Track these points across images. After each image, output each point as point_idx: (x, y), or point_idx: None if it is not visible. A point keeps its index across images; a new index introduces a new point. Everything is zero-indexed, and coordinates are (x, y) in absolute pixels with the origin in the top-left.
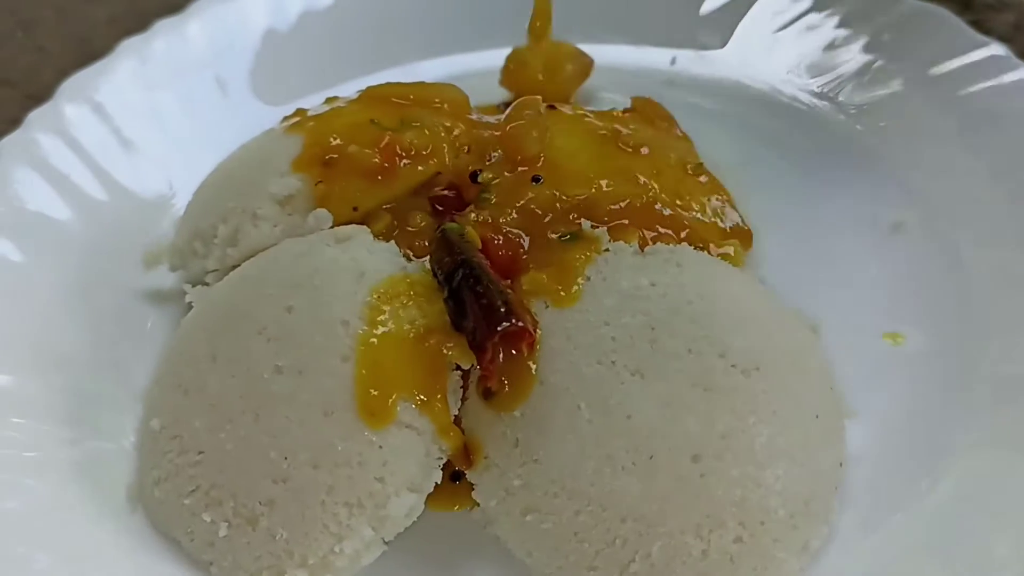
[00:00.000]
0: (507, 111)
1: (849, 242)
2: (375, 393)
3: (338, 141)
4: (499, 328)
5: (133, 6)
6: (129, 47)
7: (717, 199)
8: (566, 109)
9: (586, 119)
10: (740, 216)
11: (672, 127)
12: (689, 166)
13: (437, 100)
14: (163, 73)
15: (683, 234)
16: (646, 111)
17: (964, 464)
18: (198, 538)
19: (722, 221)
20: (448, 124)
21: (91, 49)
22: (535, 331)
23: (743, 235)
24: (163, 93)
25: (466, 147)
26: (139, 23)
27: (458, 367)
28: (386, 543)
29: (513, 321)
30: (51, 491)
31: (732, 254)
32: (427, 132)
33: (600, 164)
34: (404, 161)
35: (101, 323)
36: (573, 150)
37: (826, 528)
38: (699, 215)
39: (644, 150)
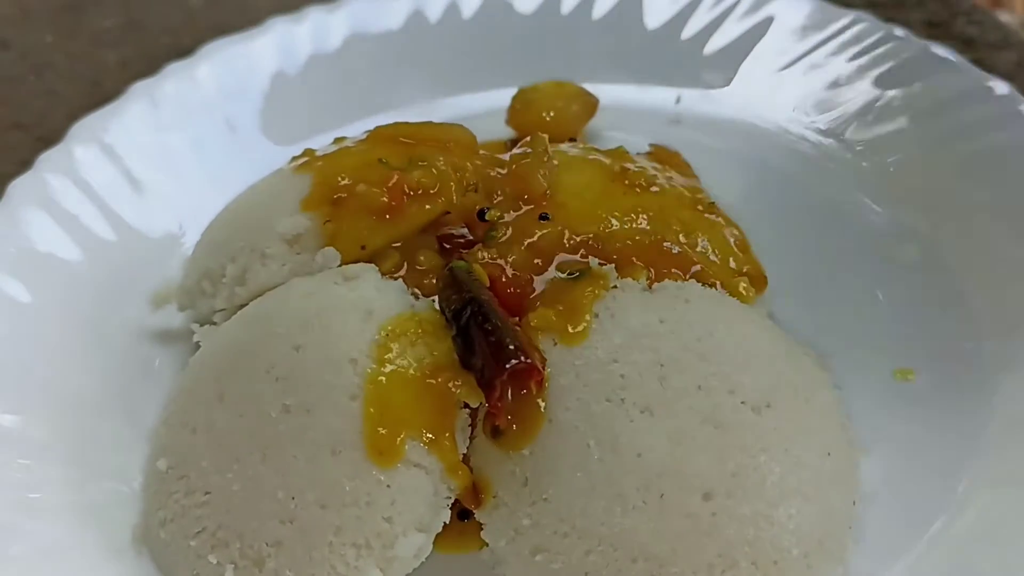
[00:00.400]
0: (514, 149)
1: (857, 278)
2: (383, 432)
3: (346, 180)
4: (507, 366)
5: (143, 50)
6: (139, 90)
7: (730, 238)
8: (573, 147)
9: (593, 157)
10: (753, 257)
11: (687, 172)
12: (701, 205)
13: (444, 139)
14: (173, 115)
15: (691, 272)
16: (665, 160)
17: (979, 502)
18: None
19: (734, 261)
20: (455, 163)
21: (102, 92)
22: (543, 369)
23: (756, 278)
24: (173, 135)
25: (473, 185)
26: (149, 67)
27: (466, 405)
28: None
29: (522, 359)
30: (56, 533)
31: (741, 291)
32: (435, 171)
33: (607, 201)
34: (412, 200)
35: (109, 363)
36: (580, 188)
37: (841, 568)
38: (709, 254)
39: (653, 188)
